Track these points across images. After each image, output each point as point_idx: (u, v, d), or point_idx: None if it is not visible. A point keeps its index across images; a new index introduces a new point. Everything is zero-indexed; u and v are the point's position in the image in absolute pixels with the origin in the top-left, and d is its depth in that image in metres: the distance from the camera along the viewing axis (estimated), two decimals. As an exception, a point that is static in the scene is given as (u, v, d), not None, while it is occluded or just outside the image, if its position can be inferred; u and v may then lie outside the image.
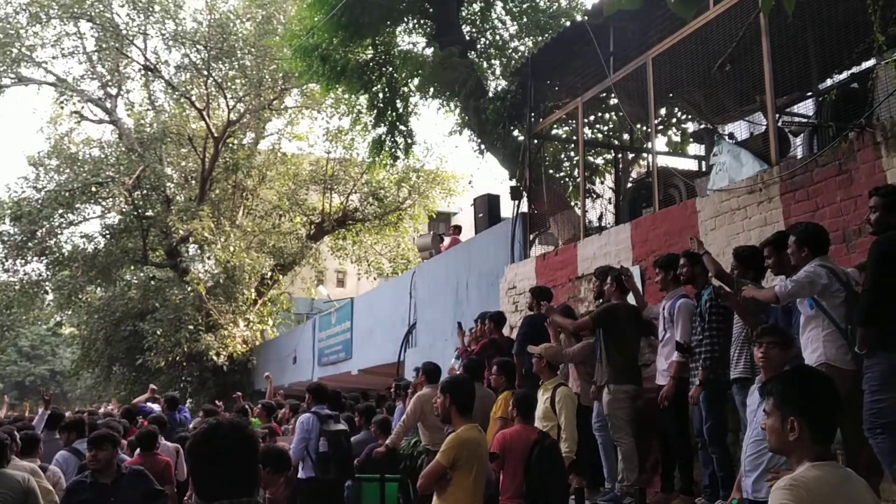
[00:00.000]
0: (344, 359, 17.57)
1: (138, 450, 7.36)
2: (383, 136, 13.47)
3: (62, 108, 26.52)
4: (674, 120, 12.28)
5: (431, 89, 12.63)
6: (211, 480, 2.23)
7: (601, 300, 7.25)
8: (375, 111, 13.35)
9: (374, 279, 27.45)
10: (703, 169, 9.97)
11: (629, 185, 11.51)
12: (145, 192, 25.04)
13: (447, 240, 15.06)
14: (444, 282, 12.97)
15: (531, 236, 11.17)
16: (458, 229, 15.44)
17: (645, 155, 11.87)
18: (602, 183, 12.34)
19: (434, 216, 27.18)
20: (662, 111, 11.70)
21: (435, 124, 71.85)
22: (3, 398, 14.77)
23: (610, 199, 11.65)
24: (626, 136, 12.47)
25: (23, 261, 25.43)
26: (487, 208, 12.56)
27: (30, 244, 24.85)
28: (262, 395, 17.97)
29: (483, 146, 12.72)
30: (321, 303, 28.03)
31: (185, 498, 7.73)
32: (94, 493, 5.05)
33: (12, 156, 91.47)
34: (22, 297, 25.90)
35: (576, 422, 6.48)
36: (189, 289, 22.98)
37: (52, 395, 9.90)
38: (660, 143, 11.64)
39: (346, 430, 7.66)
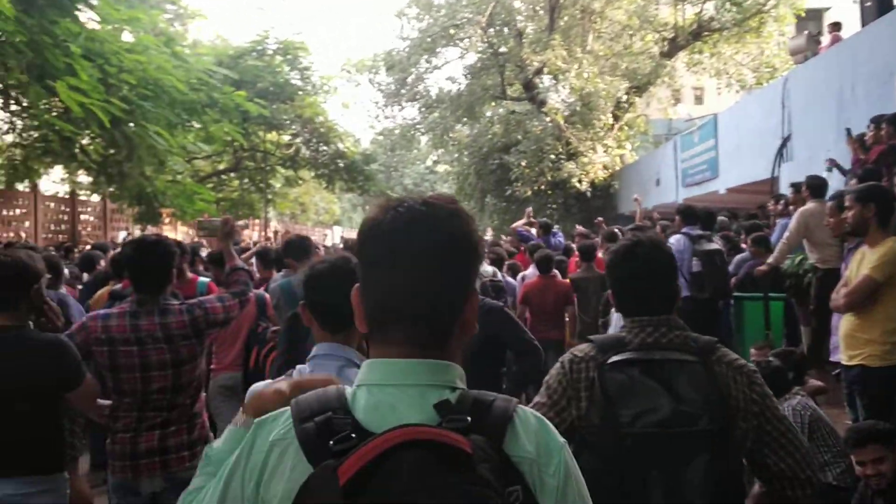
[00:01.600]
0: (709, 178, 16.91)
1: (536, 272, 7.78)
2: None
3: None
4: None
5: None
6: (632, 296, 2.23)
7: None
8: None
9: (736, 92, 25.58)
10: None
11: None
12: (497, 28, 25.63)
13: (826, 38, 13.41)
14: (824, 86, 11.60)
15: (936, 21, 9.45)
16: (836, 26, 13.63)
17: None
18: None
19: (802, 14, 24.18)
20: None
21: None
22: None
23: None
24: None
25: (399, 107, 28.28)
26: (877, -6, 10.80)
27: (402, 91, 27.29)
28: (625, 219, 18.18)
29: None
30: (679, 122, 27.00)
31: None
32: None
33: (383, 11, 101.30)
34: (401, 139, 29.04)
35: None
36: (547, 119, 23.54)
37: None
38: None
39: (720, 249, 7.46)
